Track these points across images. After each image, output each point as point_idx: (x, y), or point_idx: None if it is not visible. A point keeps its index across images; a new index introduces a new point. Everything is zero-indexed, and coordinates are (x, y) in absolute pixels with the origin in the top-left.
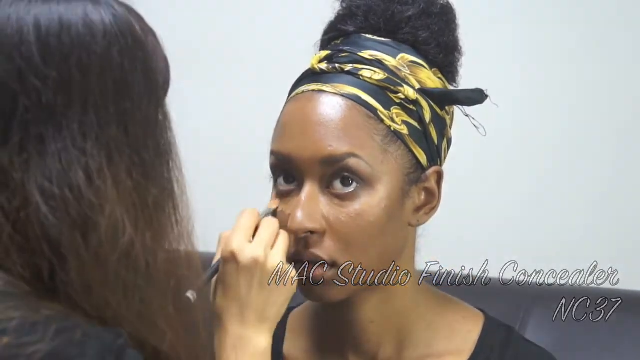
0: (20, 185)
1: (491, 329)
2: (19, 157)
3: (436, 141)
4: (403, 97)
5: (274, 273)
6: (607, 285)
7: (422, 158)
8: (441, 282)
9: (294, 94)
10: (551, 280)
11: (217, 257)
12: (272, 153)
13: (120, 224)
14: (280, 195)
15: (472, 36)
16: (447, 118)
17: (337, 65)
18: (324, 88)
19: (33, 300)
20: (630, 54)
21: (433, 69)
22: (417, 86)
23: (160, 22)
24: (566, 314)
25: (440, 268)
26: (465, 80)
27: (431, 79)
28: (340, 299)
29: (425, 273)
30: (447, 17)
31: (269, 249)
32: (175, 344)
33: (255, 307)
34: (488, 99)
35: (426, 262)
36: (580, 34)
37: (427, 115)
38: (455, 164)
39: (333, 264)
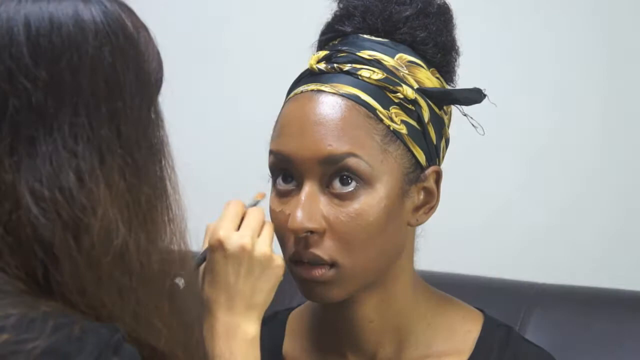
0: (11, 187)
1: (490, 329)
2: (9, 159)
3: (435, 141)
4: (402, 96)
5: (261, 260)
6: (607, 285)
7: (421, 157)
8: (440, 282)
9: (292, 94)
10: (551, 280)
11: (205, 247)
12: (271, 152)
13: (113, 226)
14: (280, 195)
15: (469, 36)
16: (445, 118)
17: (335, 65)
18: (323, 88)
19: (30, 298)
20: (631, 54)
21: (431, 69)
22: (416, 86)
23: (155, 21)
24: (566, 314)
25: (440, 268)
26: (463, 79)
27: (429, 79)
28: (340, 299)
29: (425, 273)
30: (445, 17)
31: (256, 237)
32: (171, 342)
33: (243, 295)
34: (486, 98)
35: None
36: (580, 33)
37: (426, 115)
38: (455, 163)
39: (333, 264)
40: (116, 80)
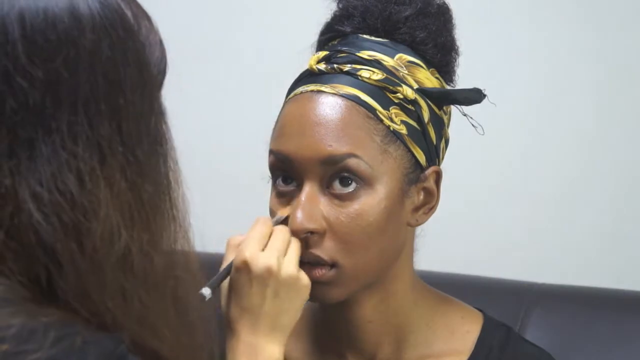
0: (11, 191)
1: (490, 329)
2: (8, 162)
3: (435, 141)
4: (402, 97)
5: (288, 281)
6: (607, 285)
7: (421, 158)
8: (440, 282)
9: (292, 94)
10: (551, 280)
11: (227, 262)
12: (271, 152)
13: (115, 228)
14: (279, 195)
15: (468, 36)
16: (445, 118)
17: (335, 65)
18: (323, 88)
19: (32, 306)
20: (630, 54)
21: (431, 69)
22: (416, 86)
23: (157, 20)
24: (566, 314)
25: (440, 268)
26: (463, 79)
27: (429, 79)
28: (341, 299)
29: (425, 273)
30: (444, 17)
31: (282, 257)
32: (174, 347)
33: (268, 316)
34: (486, 98)
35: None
36: (579, 33)
37: (426, 115)
38: (454, 163)
39: (333, 265)
40: (116, 76)
